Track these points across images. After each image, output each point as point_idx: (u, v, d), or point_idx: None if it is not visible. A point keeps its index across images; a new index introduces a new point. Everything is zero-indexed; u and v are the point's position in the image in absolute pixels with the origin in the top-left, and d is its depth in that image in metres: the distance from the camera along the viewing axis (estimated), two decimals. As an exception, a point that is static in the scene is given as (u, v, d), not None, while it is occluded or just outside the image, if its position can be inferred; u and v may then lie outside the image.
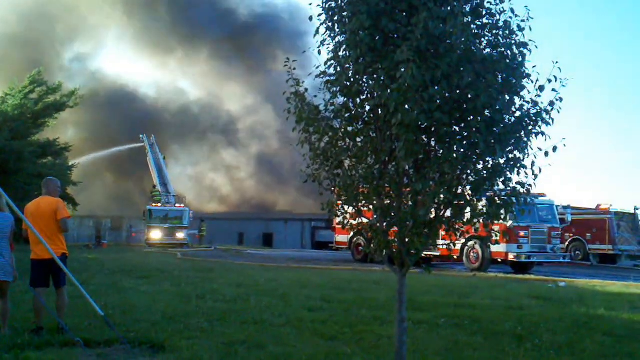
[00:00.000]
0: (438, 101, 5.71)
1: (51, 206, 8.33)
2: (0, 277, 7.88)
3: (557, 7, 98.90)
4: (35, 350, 7.14)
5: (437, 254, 21.91)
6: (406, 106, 5.63)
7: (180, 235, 39.74)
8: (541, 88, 5.98)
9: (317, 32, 6.58)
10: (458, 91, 5.82)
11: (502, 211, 6.12)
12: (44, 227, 8.16)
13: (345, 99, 6.40)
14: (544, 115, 5.99)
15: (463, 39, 5.70)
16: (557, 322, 9.92)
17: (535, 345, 8.24)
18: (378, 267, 21.11)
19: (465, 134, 5.99)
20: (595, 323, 9.93)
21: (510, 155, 6.09)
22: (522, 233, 21.64)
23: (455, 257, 23.13)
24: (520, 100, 6.06)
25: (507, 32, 6.02)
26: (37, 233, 7.96)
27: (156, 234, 39.44)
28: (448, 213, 6.28)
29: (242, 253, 34.26)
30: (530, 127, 6.01)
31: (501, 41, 6.01)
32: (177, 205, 41.56)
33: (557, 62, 5.87)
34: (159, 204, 40.97)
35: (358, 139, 6.44)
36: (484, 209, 6.17)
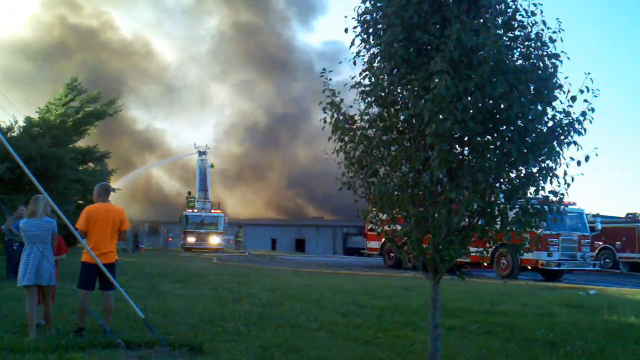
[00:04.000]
0: (471, 111, 5.84)
1: (120, 216, 8.63)
2: (44, 283, 8.10)
3: (592, 14, 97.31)
4: (79, 351, 7.35)
5: (468, 260, 21.83)
6: (440, 116, 5.76)
7: (216, 240, 40.15)
8: (573, 98, 6.07)
9: (352, 43, 6.76)
10: (491, 101, 5.93)
11: (535, 219, 6.22)
12: (108, 233, 8.48)
13: (380, 109, 6.54)
14: (576, 125, 6.07)
15: (495, 51, 5.81)
16: (588, 329, 9.87)
17: (568, 352, 8.23)
18: (409, 274, 21.10)
19: (498, 143, 6.09)
20: (627, 331, 9.86)
21: (543, 164, 6.17)
22: (552, 241, 21.49)
23: (485, 264, 23.02)
24: (553, 110, 6.15)
25: (538, 43, 6.12)
26: (82, 240, 8.28)
27: (192, 239, 39.96)
28: (481, 221, 6.39)
29: (275, 258, 34.46)
30: (562, 137, 6.10)
31: (533, 52, 6.12)
32: (212, 211, 42.03)
33: (589, 73, 5.96)
34: (194, 210, 41.52)
35: (392, 148, 6.55)
36: (517, 217, 6.26)
